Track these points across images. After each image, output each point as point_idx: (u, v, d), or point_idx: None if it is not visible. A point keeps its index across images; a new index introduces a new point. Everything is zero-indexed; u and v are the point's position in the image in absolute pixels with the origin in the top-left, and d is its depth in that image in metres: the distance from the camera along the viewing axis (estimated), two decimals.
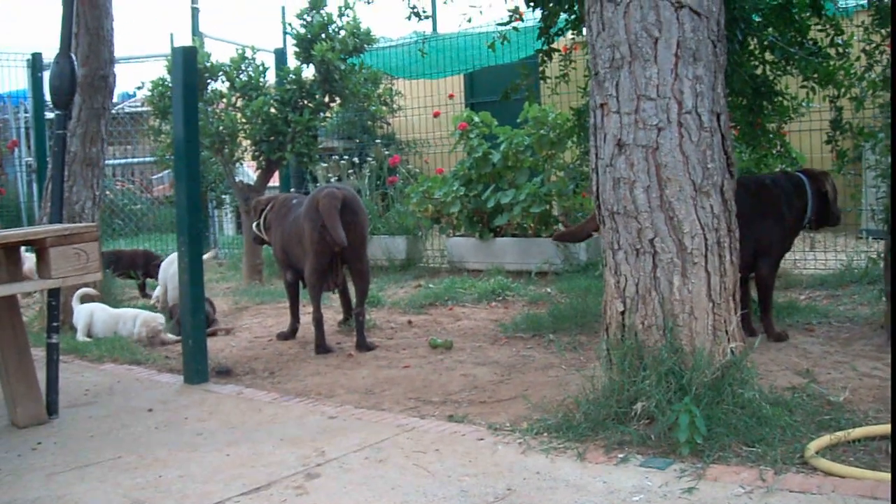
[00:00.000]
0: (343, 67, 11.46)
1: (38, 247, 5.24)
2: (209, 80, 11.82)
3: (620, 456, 4.45)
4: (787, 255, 8.86)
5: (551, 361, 6.61)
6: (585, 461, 4.43)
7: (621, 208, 4.90)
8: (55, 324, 6.02)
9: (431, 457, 4.62)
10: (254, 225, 8.61)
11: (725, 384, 4.69)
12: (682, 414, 4.42)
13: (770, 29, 7.05)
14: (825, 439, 4.38)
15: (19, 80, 16.74)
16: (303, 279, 7.83)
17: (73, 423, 5.68)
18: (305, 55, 11.47)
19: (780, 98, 7.51)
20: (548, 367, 6.47)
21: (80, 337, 8.25)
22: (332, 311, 8.74)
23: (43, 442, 5.29)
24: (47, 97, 13.74)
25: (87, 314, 8.46)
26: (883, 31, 7.05)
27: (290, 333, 8.06)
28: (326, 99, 11.74)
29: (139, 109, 17.86)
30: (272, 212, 8.31)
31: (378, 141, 15.06)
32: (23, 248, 5.63)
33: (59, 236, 5.22)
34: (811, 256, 10.07)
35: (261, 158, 11.69)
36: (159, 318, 8.37)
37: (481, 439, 4.86)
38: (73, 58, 6.35)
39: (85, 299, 8.60)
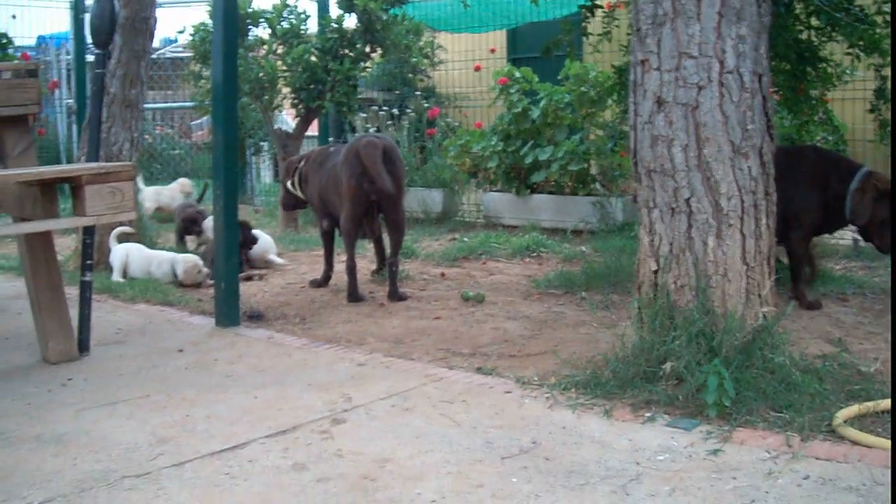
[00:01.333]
0: (385, 18, 11.43)
1: (74, 184, 5.26)
2: (250, 27, 11.81)
3: (647, 415, 4.45)
4: None
5: (582, 319, 6.60)
6: (612, 418, 4.43)
7: (658, 166, 4.86)
8: (89, 262, 6.06)
9: (458, 407, 4.63)
10: (288, 184, 8.60)
11: (756, 348, 4.67)
12: (711, 376, 4.40)
13: None
14: (854, 409, 4.36)
15: (62, 23, 16.81)
16: (339, 227, 7.84)
17: (103, 360, 5.73)
18: (348, 4, 11.44)
19: (825, 64, 7.44)
20: (579, 324, 6.47)
21: (116, 277, 8.27)
22: (366, 260, 8.75)
23: (73, 378, 5.34)
24: (89, 39, 13.82)
25: (123, 254, 8.47)
26: None
27: (324, 281, 8.08)
28: (367, 49, 11.70)
29: (180, 55, 17.91)
30: (308, 164, 8.30)
31: (418, 93, 15.02)
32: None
33: (94, 174, 5.23)
34: (848, 226, 9.98)
35: (300, 106, 11.69)
36: (198, 259, 8.42)
37: (509, 392, 4.86)
38: None
39: (122, 238, 8.63)
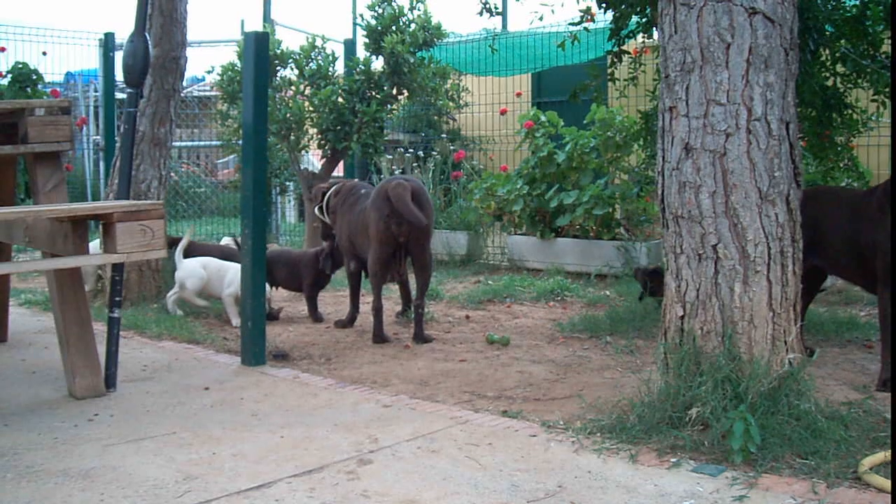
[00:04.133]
0: (412, 60, 11.52)
1: (105, 221, 5.31)
2: (279, 68, 11.93)
3: (673, 460, 4.44)
4: None
5: (607, 363, 6.61)
6: (637, 463, 4.43)
7: (686, 212, 4.88)
8: (118, 298, 6.10)
9: (484, 450, 4.63)
10: (315, 209, 8.64)
11: (782, 395, 4.67)
12: (737, 422, 4.40)
13: (843, 41, 6.99)
14: (880, 456, 4.34)
15: (90, 60, 16.95)
16: (366, 269, 7.86)
17: (130, 397, 5.75)
18: (375, 47, 11.55)
19: (850, 111, 7.45)
20: (604, 368, 6.47)
21: (197, 300, 8.32)
22: (391, 301, 8.78)
23: (100, 414, 5.36)
24: (118, 77, 13.93)
25: (199, 271, 8.37)
26: None
27: (349, 322, 8.10)
28: (394, 91, 11.79)
29: (208, 93, 18.03)
30: (337, 197, 8.32)
31: (444, 135, 15.08)
32: None
33: (126, 212, 5.28)
34: None
35: (326, 147, 11.78)
36: None
37: (534, 436, 4.87)
38: (147, 37, 6.42)
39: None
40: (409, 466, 4.40)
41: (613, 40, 7.88)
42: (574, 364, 6.62)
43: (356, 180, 9.08)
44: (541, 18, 9.08)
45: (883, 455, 4.35)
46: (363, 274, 8.08)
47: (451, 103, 13.62)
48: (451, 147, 14.24)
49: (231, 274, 8.25)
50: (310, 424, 5.11)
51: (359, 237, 7.81)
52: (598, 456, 4.53)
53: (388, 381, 6.18)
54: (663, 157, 5.04)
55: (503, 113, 13.75)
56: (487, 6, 8.64)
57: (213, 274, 8.34)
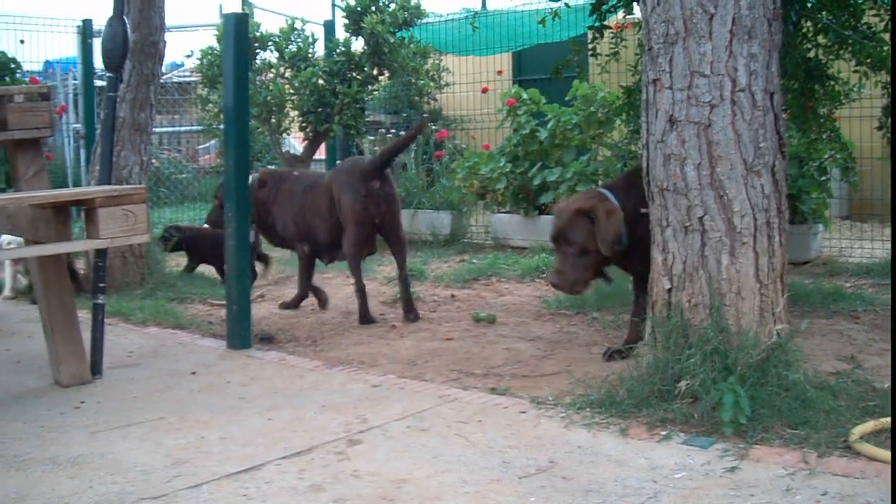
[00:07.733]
0: (392, 41, 11.48)
1: (87, 207, 5.27)
2: (258, 50, 11.87)
3: (663, 433, 4.44)
4: (834, 243, 8.75)
5: (595, 339, 6.60)
6: (628, 437, 4.43)
7: (671, 185, 4.87)
8: (101, 284, 6.06)
9: (473, 427, 4.62)
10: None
11: (770, 366, 4.66)
12: (727, 393, 4.40)
13: (824, 12, 6.98)
14: (870, 425, 4.34)
15: (69, 47, 16.82)
16: (317, 251, 7.84)
17: (116, 383, 5.72)
18: (355, 27, 11.51)
19: (832, 82, 7.44)
20: (591, 344, 6.46)
21: None
22: (375, 283, 8.76)
23: (86, 401, 5.33)
24: (97, 64, 13.85)
25: None
26: None
27: (294, 304, 8.02)
28: (375, 72, 11.75)
29: (187, 79, 17.95)
30: (263, 189, 8.07)
31: (425, 115, 15.04)
32: None
33: (108, 197, 5.24)
34: (857, 245, 9.98)
35: (308, 130, 11.73)
36: None
37: (524, 412, 4.86)
38: (126, 21, 6.37)
39: None
40: (399, 445, 4.39)
41: (595, 15, 7.84)
42: (561, 340, 6.61)
43: (273, 168, 8.96)
44: None
45: (873, 424, 4.36)
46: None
47: (431, 83, 13.58)
48: (433, 127, 14.21)
49: None
50: (298, 406, 5.09)
51: (311, 220, 7.71)
52: (589, 431, 4.53)
53: (375, 361, 6.16)
54: (647, 130, 5.02)
55: (485, 91, 13.72)
56: None
57: None
